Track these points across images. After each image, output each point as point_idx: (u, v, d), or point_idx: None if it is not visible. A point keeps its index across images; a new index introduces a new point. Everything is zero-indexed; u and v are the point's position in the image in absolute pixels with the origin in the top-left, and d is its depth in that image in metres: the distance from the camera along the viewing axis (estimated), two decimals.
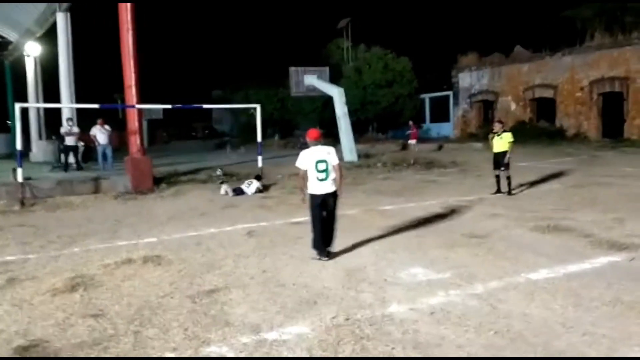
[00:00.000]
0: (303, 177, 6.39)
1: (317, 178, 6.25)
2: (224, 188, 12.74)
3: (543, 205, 9.90)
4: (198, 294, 5.25)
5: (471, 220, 8.68)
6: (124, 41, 14.26)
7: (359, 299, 4.95)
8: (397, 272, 5.82)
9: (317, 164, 6.24)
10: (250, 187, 12.84)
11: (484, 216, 9.00)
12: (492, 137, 11.54)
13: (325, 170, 6.25)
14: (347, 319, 4.45)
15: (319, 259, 6.35)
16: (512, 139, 11.32)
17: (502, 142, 11.32)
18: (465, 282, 5.38)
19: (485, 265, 5.97)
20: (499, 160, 11.31)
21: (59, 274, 6.07)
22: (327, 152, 6.34)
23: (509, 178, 11.30)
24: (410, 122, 22.79)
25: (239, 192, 12.63)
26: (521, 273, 5.62)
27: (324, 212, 6.33)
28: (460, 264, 6.06)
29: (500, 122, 11.94)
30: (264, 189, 13.21)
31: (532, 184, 12.72)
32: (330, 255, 6.43)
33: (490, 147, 11.71)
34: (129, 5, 14.15)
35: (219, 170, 14.65)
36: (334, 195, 6.37)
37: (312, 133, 6.52)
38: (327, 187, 6.30)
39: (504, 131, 11.49)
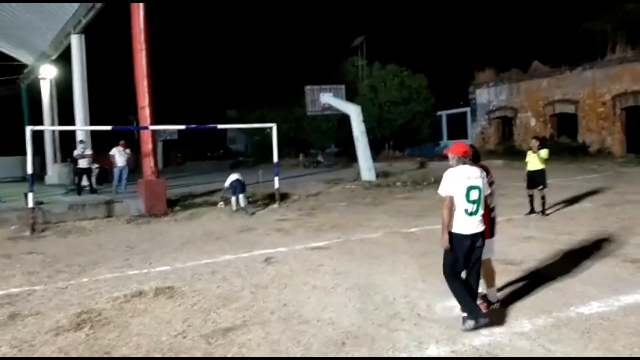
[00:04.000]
0: (450, 207, 4.51)
1: (466, 211, 4.50)
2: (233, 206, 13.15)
3: (578, 226, 9.27)
4: (213, 332, 4.76)
5: (504, 244, 8.03)
6: (137, 61, 14.00)
7: (392, 339, 4.42)
8: (431, 305, 5.28)
9: (468, 192, 4.50)
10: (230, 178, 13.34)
11: (516, 240, 8.38)
12: (528, 154, 10.91)
13: (477, 201, 4.53)
14: None
15: (476, 326, 4.40)
16: (547, 156, 10.66)
17: (538, 159, 10.66)
18: (509, 317, 4.83)
19: (529, 298, 5.41)
20: (535, 179, 10.66)
21: (64, 309, 5.64)
22: (480, 176, 4.60)
23: (543, 198, 10.67)
24: None
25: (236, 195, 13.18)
26: (570, 306, 5.04)
27: (468, 261, 4.59)
28: (500, 295, 5.51)
29: (537, 138, 11.22)
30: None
31: (562, 203, 12.10)
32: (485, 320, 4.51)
33: (525, 165, 11.07)
34: (142, 25, 13.92)
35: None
36: (482, 237, 4.60)
37: (459, 147, 4.67)
38: (476, 225, 4.53)
39: (541, 148, 10.75)
